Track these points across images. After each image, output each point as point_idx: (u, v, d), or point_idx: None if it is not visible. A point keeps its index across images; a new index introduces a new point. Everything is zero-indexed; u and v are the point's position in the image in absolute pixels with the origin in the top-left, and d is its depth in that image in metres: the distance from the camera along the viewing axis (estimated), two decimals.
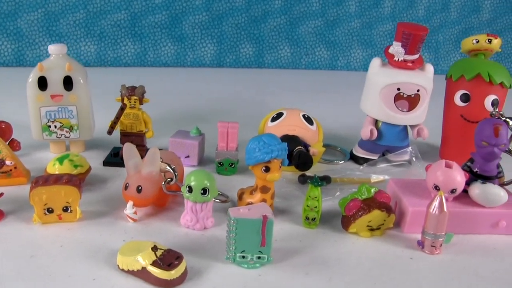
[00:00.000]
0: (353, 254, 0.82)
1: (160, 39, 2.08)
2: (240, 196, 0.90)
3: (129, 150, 0.88)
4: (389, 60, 1.08)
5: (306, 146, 1.05)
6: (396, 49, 1.05)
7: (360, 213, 0.83)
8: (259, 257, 0.75)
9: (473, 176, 0.93)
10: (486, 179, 0.92)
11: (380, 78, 1.07)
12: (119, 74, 1.97)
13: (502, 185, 0.96)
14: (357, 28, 2.20)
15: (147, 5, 2.03)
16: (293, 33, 2.16)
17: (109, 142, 1.17)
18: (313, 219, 0.87)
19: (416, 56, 1.07)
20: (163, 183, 0.88)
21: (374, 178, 1.06)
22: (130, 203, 0.86)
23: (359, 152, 1.16)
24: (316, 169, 1.09)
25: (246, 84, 1.97)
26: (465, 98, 1.13)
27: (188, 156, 1.09)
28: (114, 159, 1.11)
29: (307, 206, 0.86)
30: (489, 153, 0.89)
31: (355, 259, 0.80)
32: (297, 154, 0.99)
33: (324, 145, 1.17)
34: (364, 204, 0.83)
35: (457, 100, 1.14)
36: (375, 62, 1.09)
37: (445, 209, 0.79)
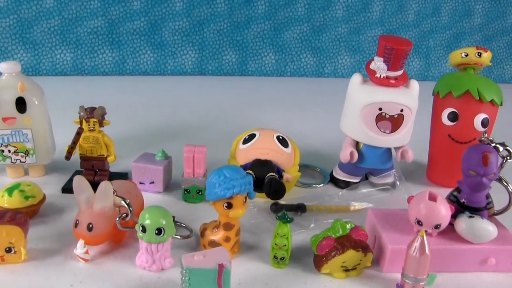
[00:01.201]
0: None
1: (139, 47, 1.99)
2: (203, 233, 0.82)
3: (79, 183, 0.79)
4: (370, 76, 0.99)
5: (279, 171, 0.97)
6: (378, 65, 0.97)
7: (333, 253, 0.75)
8: None
9: (460, 207, 0.84)
10: (474, 210, 0.84)
11: (361, 96, 0.99)
12: (96, 83, 1.91)
13: (493, 215, 0.88)
14: (345, 34, 2.12)
15: (124, 11, 1.94)
16: (277, 39, 2.07)
17: (74, 165, 1.07)
18: (282, 258, 0.79)
19: (399, 72, 0.99)
20: (117, 218, 0.79)
21: (354, 205, 0.97)
22: (80, 242, 0.79)
23: (339, 175, 1.08)
24: (291, 195, 1.01)
25: (228, 93, 1.90)
26: (453, 116, 1.05)
27: (153, 182, 1.00)
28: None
29: (275, 244, 0.78)
30: (477, 184, 0.81)
31: None
32: (268, 181, 0.91)
33: (303, 165, 1.11)
34: (337, 243, 0.75)
35: (445, 119, 1.06)
36: (355, 79, 1.00)
37: (427, 251, 0.71)
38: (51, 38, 1.91)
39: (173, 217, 0.88)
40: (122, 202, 0.80)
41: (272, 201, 0.95)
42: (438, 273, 0.78)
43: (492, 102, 1.02)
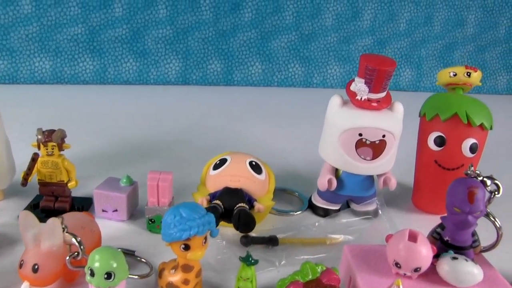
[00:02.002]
0: None
1: (121, 55, 1.92)
2: (161, 273, 0.75)
3: (26, 219, 0.72)
4: (351, 99, 0.92)
5: (251, 200, 0.90)
6: (359, 86, 0.89)
7: None
8: None
9: (444, 246, 0.77)
10: (458, 249, 0.76)
11: (339, 120, 0.91)
12: (77, 92, 1.84)
13: (480, 252, 0.81)
14: (334, 43, 2.05)
15: (106, 18, 1.87)
16: (264, 48, 2.00)
17: (36, 188, 0.99)
18: None
19: (382, 94, 0.91)
20: (67, 257, 0.72)
21: (331, 238, 0.89)
22: (25, 285, 0.72)
23: (318, 202, 1.01)
24: (264, 225, 0.95)
25: (213, 104, 1.83)
26: (439, 141, 0.98)
27: (116, 210, 0.93)
28: (33, 213, 0.94)
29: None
30: (462, 222, 0.74)
31: None
32: (237, 213, 0.84)
33: (280, 189, 1.07)
34: None
35: (431, 143, 0.99)
36: (334, 101, 0.93)
37: None
38: (29, 45, 1.84)
39: (134, 251, 0.82)
40: (73, 239, 0.73)
41: (241, 234, 0.87)
42: None
43: (481, 126, 0.95)
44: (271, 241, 0.88)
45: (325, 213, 1.00)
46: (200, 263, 0.73)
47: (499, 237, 0.82)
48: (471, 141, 0.96)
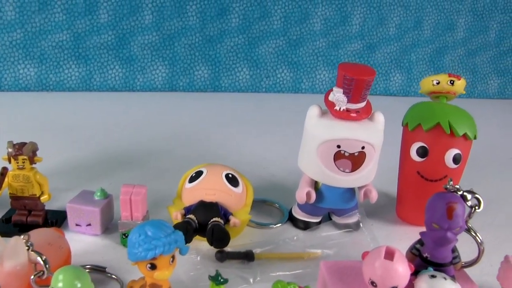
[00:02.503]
0: None
1: (107, 62, 1.89)
2: None
3: None
4: (329, 109, 0.89)
5: (227, 214, 0.87)
6: (337, 96, 0.87)
7: None
8: None
9: (423, 263, 0.74)
10: (438, 266, 0.74)
11: (317, 132, 0.89)
12: (62, 100, 1.82)
13: (461, 268, 0.78)
14: (323, 48, 2.02)
15: (91, 24, 1.84)
16: (252, 53, 1.97)
17: (9, 201, 0.96)
18: None
19: (361, 105, 0.89)
20: (32, 277, 0.69)
21: (309, 252, 0.87)
22: None
23: (299, 214, 0.98)
24: (241, 239, 0.93)
25: (200, 110, 1.80)
26: (422, 152, 0.95)
27: (89, 224, 0.90)
28: (5, 227, 0.92)
29: None
30: (441, 238, 0.71)
31: None
32: (211, 229, 0.82)
33: (260, 201, 1.05)
34: None
35: (413, 154, 0.96)
36: (313, 112, 0.91)
37: None
38: (13, 52, 1.82)
39: (105, 268, 0.80)
40: (38, 258, 0.70)
41: (216, 249, 0.84)
42: None
43: (465, 136, 0.92)
44: (246, 257, 0.85)
45: (305, 225, 0.97)
46: (169, 282, 0.71)
47: (480, 253, 0.80)
48: (454, 151, 0.93)
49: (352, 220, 0.97)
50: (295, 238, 0.92)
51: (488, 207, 1.10)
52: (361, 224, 0.95)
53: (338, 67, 0.88)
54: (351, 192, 0.96)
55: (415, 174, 0.97)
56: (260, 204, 1.06)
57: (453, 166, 0.94)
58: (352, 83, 0.84)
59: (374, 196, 0.93)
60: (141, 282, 0.72)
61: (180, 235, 0.68)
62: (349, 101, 0.87)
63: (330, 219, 1.00)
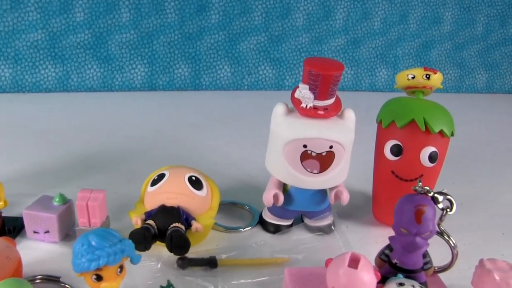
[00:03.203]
0: None
1: (84, 61, 1.84)
2: None
3: None
4: (295, 107, 0.84)
5: (188, 219, 0.82)
6: (303, 93, 0.82)
7: None
8: None
9: (392, 269, 0.69)
10: (408, 272, 0.69)
11: (283, 131, 0.84)
12: (39, 101, 1.77)
13: (435, 273, 0.74)
14: (306, 44, 1.98)
15: (67, 23, 1.79)
16: (233, 50, 1.93)
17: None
18: None
19: (329, 101, 0.84)
20: None
21: (277, 258, 0.83)
22: None
23: (269, 217, 0.94)
24: (206, 245, 0.88)
25: (181, 109, 1.75)
26: (396, 150, 0.90)
27: (48, 231, 0.86)
28: None
29: None
30: (410, 244, 0.67)
31: None
32: (170, 235, 0.77)
33: (230, 203, 1.02)
34: None
35: (387, 153, 0.92)
36: (278, 110, 0.86)
37: None
38: None
39: (59, 277, 0.75)
40: None
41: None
42: None
43: (441, 133, 0.87)
44: (209, 263, 0.81)
45: (275, 229, 0.93)
46: None
47: (454, 257, 0.76)
48: (430, 149, 0.89)
49: (324, 222, 0.93)
50: (261, 242, 0.87)
51: (469, 207, 1.06)
52: (333, 227, 0.90)
53: (304, 62, 0.83)
54: (322, 193, 0.91)
55: (390, 174, 0.92)
56: (229, 207, 1.02)
57: (429, 164, 0.90)
58: (319, 78, 0.80)
59: (345, 198, 0.88)
60: None
61: (128, 244, 0.64)
62: (316, 98, 0.83)
63: (303, 221, 0.95)
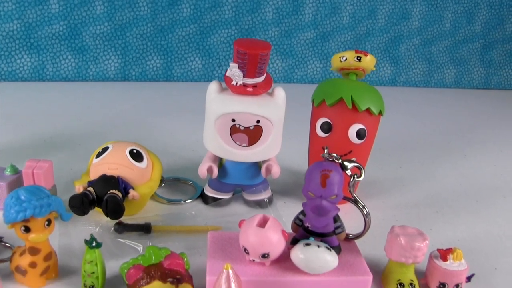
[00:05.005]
0: None
1: (59, 52, 1.90)
2: (12, 256, 0.74)
3: None
4: (227, 85, 0.90)
5: (127, 188, 0.88)
6: (233, 71, 0.88)
7: (139, 284, 0.66)
8: None
9: (305, 232, 0.75)
10: (320, 236, 0.75)
11: (214, 107, 0.90)
12: (14, 89, 1.82)
13: (351, 240, 0.80)
14: (275, 37, 2.04)
15: (42, 14, 1.85)
16: (204, 43, 1.99)
17: None
18: (92, 287, 0.70)
19: (259, 79, 0.90)
20: None
21: (207, 226, 0.88)
22: None
23: (208, 191, 1.00)
24: (146, 213, 0.95)
25: (152, 99, 1.81)
26: (326, 127, 0.96)
27: None
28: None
29: (84, 271, 0.70)
30: (317, 207, 0.73)
31: None
32: (105, 201, 0.83)
33: (174, 179, 1.07)
34: (145, 273, 0.66)
35: (318, 130, 0.98)
36: (212, 87, 0.92)
37: (232, 287, 0.62)
38: None
39: (1, 237, 0.81)
40: None
41: (115, 221, 0.85)
42: None
43: (368, 111, 0.93)
44: (144, 229, 0.87)
45: (214, 202, 0.98)
46: (50, 247, 0.73)
47: (366, 225, 0.81)
48: (358, 126, 0.95)
49: (261, 197, 0.98)
50: (199, 213, 0.93)
51: (410, 187, 1.13)
52: (268, 202, 0.96)
53: (234, 42, 0.89)
54: (255, 168, 0.97)
55: (321, 150, 0.97)
56: (175, 183, 1.08)
57: (357, 141, 0.95)
58: (246, 57, 0.86)
59: (276, 171, 0.94)
60: (24, 247, 0.74)
61: (56, 200, 0.70)
62: (245, 76, 0.89)
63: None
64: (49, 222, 0.70)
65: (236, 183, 0.97)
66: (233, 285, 0.62)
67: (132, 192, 0.88)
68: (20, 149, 1.24)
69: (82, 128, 1.43)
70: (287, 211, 0.97)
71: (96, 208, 0.87)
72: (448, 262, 0.78)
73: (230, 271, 0.63)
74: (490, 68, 2.30)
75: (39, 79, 1.92)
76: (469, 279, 0.80)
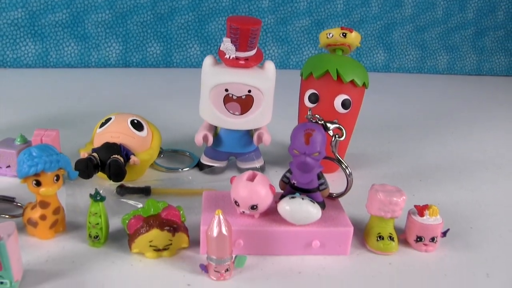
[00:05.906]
0: (126, 278, 0.73)
1: (62, 39, 1.97)
2: (24, 211, 0.81)
3: None
4: (221, 58, 0.97)
5: (128, 154, 0.95)
6: (226, 45, 0.95)
7: (140, 232, 0.73)
8: (1, 283, 0.66)
9: (292, 189, 0.82)
10: (306, 192, 0.82)
11: (209, 78, 0.98)
12: (20, 76, 1.88)
13: (335, 198, 0.87)
14: (272, 24, 2.10)
15: (45, 2, 1.92)
16: (202, 30, 2.06)
17: None
18: (96, 237, 0.78)
19: (250, 53, 0.97)
20: None
21: (204, 189, 0.95)
22: None
23: (204, 160, 1.07)
24: (146, 178, 1.02)
25: (153, 85, 1.87)
26: (314, 98, 1.04)
27: (9, 166, 0.99)
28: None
29: (89, 222, 0.77)
30: (302, 164, 0.79)
31: (125, 283, 0.72)
32: (108, 164, 0.90)
33: (172, 151, 1.14)
34: (144, 222, 0.73)
35: (306, 101, 1.05)
36: (207, 61, 0.99)
37: (223, 231, 0.69)
38: None
39: (13, 198, 0.88)
40: None
41: (118, 184, 0.93)
42: (262, 256, 0.78)
43: (352, 82, 1.00)
44: (144, 191, 0.93)
45: (210, 169, 1.05)
46: (58, 202, 0.80)
47: (348, 183, 0.87)
48: (343, 97, 1.01)
49: (254, 165, 1.05)
50: (190, 178, 1.00)
51: (397, 160, 1.20)
52: (261, 170, 1.03)
53: (226, 19, 0.96)
54: (248, 136, 1.04)
55: None
56: (174, 154, 1.15)
57: (343, 111, 1.02)
58: (238, 32, 0.93)
59: (266, 139, 1.01)
60: (34, 203, 0.81)
61: (65, 159, 0.77)
62: (237, 50, 0.96)
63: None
64: (57, 177, 0.76)
65: (230, 151, 1.04)
66: (224, 229, 0.69)
67: (133, 158, 0.95)
68: (26, 126, 1.30)
69: (85, 110, 1.50)
70: (278, 178, 1.03)
71: (100, 174, 0.94)
72: (424, 217, 0.84)
73: (221, 216, 0.70)
74: (482, 55, 2.36)
75: (43, 65, 1.99)
76: (444, 234, 0.86)
